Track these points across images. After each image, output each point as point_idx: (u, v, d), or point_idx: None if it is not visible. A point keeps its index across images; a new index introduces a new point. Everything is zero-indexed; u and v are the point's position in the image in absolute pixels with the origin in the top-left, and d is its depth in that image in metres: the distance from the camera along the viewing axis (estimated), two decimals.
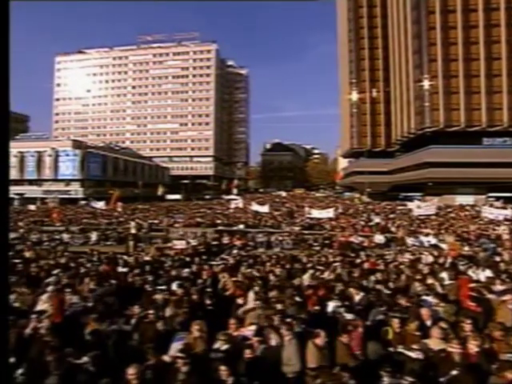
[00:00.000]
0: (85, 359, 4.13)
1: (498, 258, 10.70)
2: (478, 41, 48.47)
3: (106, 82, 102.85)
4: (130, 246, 14.10)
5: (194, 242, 13.57)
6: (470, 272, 8.82)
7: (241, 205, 31.27)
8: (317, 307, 6.18)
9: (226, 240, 14.86)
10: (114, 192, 31.56)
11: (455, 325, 5.16)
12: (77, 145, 61.26)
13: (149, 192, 61.75)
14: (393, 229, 19.13)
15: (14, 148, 58.83)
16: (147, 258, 10.96)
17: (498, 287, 6.93)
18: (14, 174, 58.28)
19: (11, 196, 54.11)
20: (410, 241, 14.79)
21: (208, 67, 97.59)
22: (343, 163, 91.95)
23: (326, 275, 8.46)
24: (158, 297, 6.41)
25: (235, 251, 12.49)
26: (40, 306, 5.88)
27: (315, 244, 15.01)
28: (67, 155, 57.84)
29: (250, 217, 24.59)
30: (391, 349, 4.64)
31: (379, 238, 15.38)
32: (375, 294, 6.80)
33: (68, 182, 57.64)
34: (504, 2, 47.21)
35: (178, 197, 59.26)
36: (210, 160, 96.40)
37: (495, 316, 5.69)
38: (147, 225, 19.12)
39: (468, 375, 3.70)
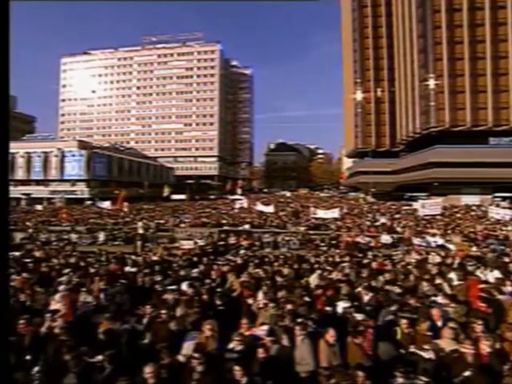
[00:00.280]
0: (99, 358, 4.21)
1: (506, 259, 10.63)
2: (485, 39, 47.99)
3: (111, 82, 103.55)
4: (138, 246, 14.21)
5: (201, 242, 13.66)
6: (478, 273, 8.79)
7: (245, 205, 31.32)
8: (326, 307, 6.21)
9: (232, 240, 14.93)
10: (121, 192, 31.76)
11: (465, 325, 5.17)
12: (82, 145, 61.71)
13: (154, 192, 62.08)
14: (398, 229, 19.09)
15: (21, 149, 59.59)
16: (155, 258, 11.06)
17: (508, 288, 6.92)
18: (20, 174, 59.01)
19: (18, 196, 54.77)
20: (416, 241, 14.73)
21: (212, 67, 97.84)
22: (347, 163, 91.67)
23: (334, 275, 8.48)
24: (169, 297, 6.47)
25: (242, 251, 12.55)
26: (53, 306, 5.96)
27: (322, 244, 15.02)
28: (73, 155, 58.29)
29: (255, 217, 24.64)
30: (403, 349, 4.66)
31: (386, 239, 15.37)
32: (384, 294, 6.83)
33: (74, 182, 58.08)
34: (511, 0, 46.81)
35: (182, 197, 59.42)
36: (215, 160, 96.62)
37: (506, 317, 5.69)
38: (154, 225, 19.24)
39: (481, 376, 3.71)
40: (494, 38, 47.79)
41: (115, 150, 74.18)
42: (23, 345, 4.64)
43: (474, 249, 12.72)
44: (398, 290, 7.10)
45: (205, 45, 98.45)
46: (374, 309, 6.10)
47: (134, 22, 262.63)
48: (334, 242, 15.31)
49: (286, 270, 9.02)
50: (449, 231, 17.76)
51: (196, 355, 3.78)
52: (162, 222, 22.40)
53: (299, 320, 4.72)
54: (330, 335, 4.44)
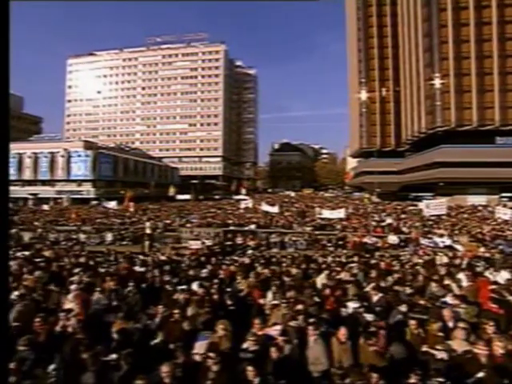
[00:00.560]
0: (112, 357, 4.28)
1: None
2: (491, 38, 47.53)
3: (116, 83, 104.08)
4: (146, 246, 14.31)
5: (208, 243, 13.73)
6: (487, 273, 8.76)
7: (250, 205, 31.36)
8: (336, 307, 6.23)
9: (239, 240, 14.98)
10: (127, 192, 31.96)
11: (477, 326, 5.17)
12: (88, 145, 62.16)
13: (159, 192, 62.40)
14: (404, 229, 19.04)
15: (28, 149, 60.39)
16: (163, 258, 11.15)
17: None
18: (28, 174, 59.75)
19: (26, 196, 55.41)
20: (424, 242, 14.69)
21: (217, 68, 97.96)
22: (352, 163, 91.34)
23: (343, 276, 8.50)
24: (180, 296, 6.53)
25: (250, 251, 12.60)
26: (67, 305, 6.05)
27: (329, 244, 15.03)
28: (79, 156, 58.76)
29: (260, 217, 24.70)
30: (414, 349, 4.67)
31: (393, 239, 15.33)
32: (393, 295, 6.83)
33: (80, 182, 58.54)
34: None
35: (187, 197, 59.66)
36: (219, 160, 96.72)
37: None
38: (162, 225, 19.36)
39: (495, 377, 3.72)
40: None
41: (120, 150, 74.67)
42: (39, 342, 4.71)
43: (482, 249, 12.66)
44: (408, 290, 7.09)
45: (209, 45, 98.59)
46: (384, 309, 6.12)
47: (136, 22, 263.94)
48: (341, 242, 15.31)
49: (294, 270, 9.06)
50: (456, 232, 17.68)
51: (211, 354, 3.82)
52: (168, 222, 22.53)
53: (312, 320, 4.75)
54: (342, 333, 4.51)
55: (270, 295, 6.75)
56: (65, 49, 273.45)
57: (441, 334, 4.86)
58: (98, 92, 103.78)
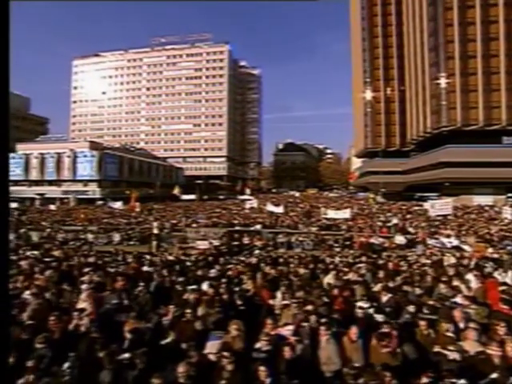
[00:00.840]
0: (125, 356, 4.33)
1: None
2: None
3: (121, 84, 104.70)
4: (153, 246, 14.40)
5: (215, 243, 13.79)
6: (495, 274, 8.72)
7: (255, 205, 31.39)
8: (344, 308, 6.24)
9: (246, 240, 15.03)
10: (133, 192, 32.12)
11: (487, 327, 5.16)
12: (94, 146, 62.66)
13: (163, 192, 62.64)
14: (410, 229, 18.97)
15: (35, 150, 61.08)
16: (171, 258, 11.22)
17: None
18: (34, 174, 60.45)
19: (33, 196, 56.00)
20: (431, 242, 14.63)
21: (221, 68, 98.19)
22: (356, 163, 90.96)
23: (351, 276, 8.51)
24: (190, 296, 6.58)
25: (257, 251, 12.63)
26: (80, 304, 6.13)
27: (335, 245, 15.02)
28: (85, 156, 59.24)
29: (265, 217, 24.73)
30: (425, 350, 4.68)
31: (400, 239, 15.29)
32: (402, 295, 6.83)
33: (86, 182, 59.02)
34: None
35: (192, 197, 59.83)
36: (224, 160, 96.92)
37: None
38: (169, 225, 19.46)
39: (508, 378, 3.72)
40: (507, 35, 46.87)
41: (126, 150, 75.12)
42: (54, 340, 4.79)
43: (490, 250, 12.58)
44: (418, 290, 7.09)
45: (213, 45, 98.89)
46: (394, 310, 6.12)
47: (139, 22, 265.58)
48: (347, 242, 15.29)
49: (301, 271, 9.08)
50: (463, 232, 17.58)
51: (226, 354, 3.86)
52: (174, 222, 22.65)
53: (323, 320, 4.78)
54: (353, 332, 4.55)
55: (279, 295, 6.78)
56: (65, 49, 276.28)
57: (451, 334, 4.86)
58: (103, 93, 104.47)
